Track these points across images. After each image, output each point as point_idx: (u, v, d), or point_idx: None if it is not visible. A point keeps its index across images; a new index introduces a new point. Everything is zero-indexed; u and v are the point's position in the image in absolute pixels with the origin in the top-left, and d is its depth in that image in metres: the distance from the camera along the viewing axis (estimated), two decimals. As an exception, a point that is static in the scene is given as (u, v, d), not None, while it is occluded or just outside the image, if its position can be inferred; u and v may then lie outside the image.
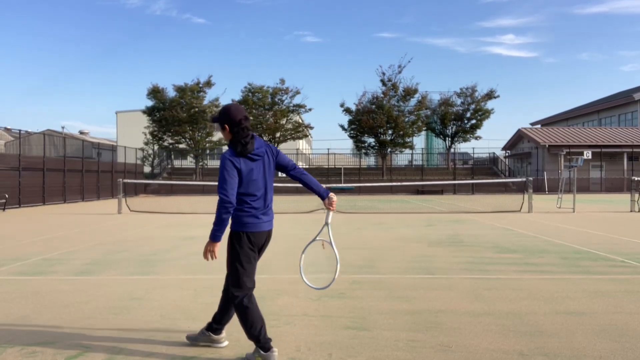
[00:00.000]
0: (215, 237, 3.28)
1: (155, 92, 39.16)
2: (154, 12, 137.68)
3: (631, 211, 17.44)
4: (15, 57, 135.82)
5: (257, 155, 3.37)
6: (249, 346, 3.57)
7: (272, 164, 3.48)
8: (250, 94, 40.68)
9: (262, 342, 3.33)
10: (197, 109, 38.60)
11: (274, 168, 3.51)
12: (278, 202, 24.19)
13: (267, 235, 3.50)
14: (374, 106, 39.90)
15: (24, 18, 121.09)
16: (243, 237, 3.35)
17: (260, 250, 3.51)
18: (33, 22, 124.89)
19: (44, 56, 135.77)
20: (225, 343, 3.73)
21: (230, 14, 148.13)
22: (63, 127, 51.67)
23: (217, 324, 3.67)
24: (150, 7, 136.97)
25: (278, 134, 41.51)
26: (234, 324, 4.29)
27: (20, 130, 23.52)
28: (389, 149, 41.27)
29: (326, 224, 3.63)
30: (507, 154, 47.91)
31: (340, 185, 34.37)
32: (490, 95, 42.24)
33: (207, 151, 42.42)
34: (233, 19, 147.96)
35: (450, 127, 43.60)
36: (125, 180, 19.82)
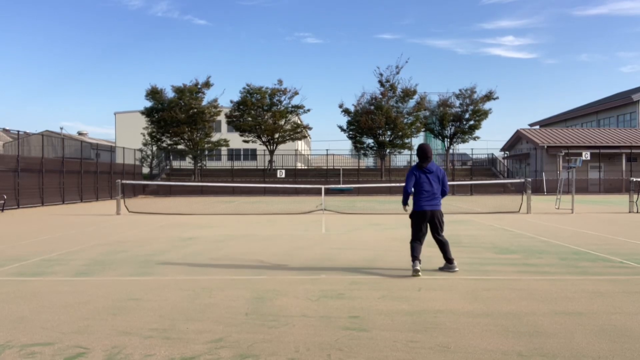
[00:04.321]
0: (404, 202, 6.68)
1: (154, 93, 39.12)
2: (156, 14, 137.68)
3: (630, 212, 17.46)
4: (14, 58, 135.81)
5: (428, 170, 6.46)
6: (242, 345, 3.56)
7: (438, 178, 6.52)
8: (248, 95, 40.67)
9: (452, 261, 6.58)
10: (195, 110, 38.56)
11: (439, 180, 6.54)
12: (276, 203, 24.26)
13: (432, 213, 6.47)
14: (372, 107, 39.86)
15: (23, 18, 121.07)
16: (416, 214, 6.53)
17: (431, 222, 6.53)
18: (33, 22, 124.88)
19: (44, 57, 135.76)
20: (457, 268, 6.58)
21: (231, 16, 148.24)
22: (62, 128, 51.67)
23: (448, 259, 6.60)
24: (152, 8, 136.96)
25: (277, 135, 41.51)
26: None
27: (18, 131, 23.47)
28: (388, 150, 41.29)
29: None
30: (505, 155, 47.96)
31: (338, 186, 34.37)
32: (489, 97, 42.21)
33: (206, 152, 42.37)
34: (234, 21, 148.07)
35: (448, 128, 43.60)
36: (124, 181, 19.80)
